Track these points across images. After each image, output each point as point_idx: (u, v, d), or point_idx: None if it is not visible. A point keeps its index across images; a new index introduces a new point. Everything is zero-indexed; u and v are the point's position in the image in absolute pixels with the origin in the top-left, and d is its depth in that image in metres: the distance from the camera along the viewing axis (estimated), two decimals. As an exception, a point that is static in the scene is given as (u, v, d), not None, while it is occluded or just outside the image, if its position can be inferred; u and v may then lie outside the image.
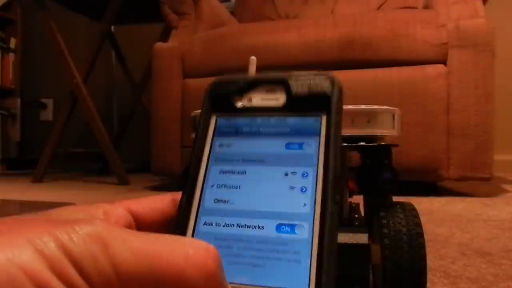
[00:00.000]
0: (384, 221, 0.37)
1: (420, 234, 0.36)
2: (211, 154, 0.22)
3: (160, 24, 1.97)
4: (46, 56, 2.69)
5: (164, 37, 1.71)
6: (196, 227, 0.21)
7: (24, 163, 2.57)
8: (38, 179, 1.81)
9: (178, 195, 0.24)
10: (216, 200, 0.21)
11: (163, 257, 0.15)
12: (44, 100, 2.82)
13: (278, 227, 0.19)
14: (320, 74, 0.22)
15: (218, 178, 0.22)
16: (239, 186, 0.21)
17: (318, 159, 0.20)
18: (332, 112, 0.21)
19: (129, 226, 0.21)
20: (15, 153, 2.65)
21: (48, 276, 0.13)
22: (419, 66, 1.27)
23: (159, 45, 1.55)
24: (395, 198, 0.41)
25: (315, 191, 0.19)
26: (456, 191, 1.41)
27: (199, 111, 0.23)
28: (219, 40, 1.48)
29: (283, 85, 0.22)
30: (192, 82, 1.49)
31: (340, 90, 0.21)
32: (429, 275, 0.50)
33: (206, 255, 0.16)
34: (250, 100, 0.22)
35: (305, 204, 0.19)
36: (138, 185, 1.64)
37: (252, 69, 0.35)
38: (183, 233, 0.21)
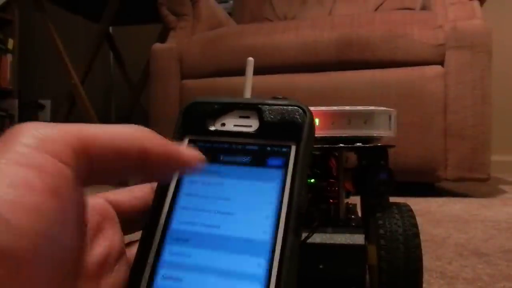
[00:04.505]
0: (380, 222, 0.37)
1: (416, 235, 0.36)
2: (179, 182, 0.22)
3: (158, 25, 1.97)
4: (44, 57, 2.69)
5: (162, 38, 1.71)
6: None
7: (22, 164, 2.56)
8: (36, 180, 1.80)
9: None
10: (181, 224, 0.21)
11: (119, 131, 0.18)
12: (42, 101, 2.81)
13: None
14: (293, 104, 0.22)
15: (186, 201, 0.21)
16: (205, 212, 0.21)
17: (283, 190, 0.20)
18: (302, 143, 0.21)
19: (107, 213, 0.22)
20: (13, 154, 2.64)
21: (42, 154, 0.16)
22: (417, 67, 1.27)
23: (157, 46, 1.55)
24: (393, 199, 0.41)
25: (278, 221, 0.19)
26: (453, 191, 1.42)
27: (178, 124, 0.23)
28: (217, 41, 1.48)
29: (257, 111, 0.22)
30: (190, 83, 1.49)
31: (312, 121, 0.22)
32: (426, 276, 0.50)
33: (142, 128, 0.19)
34: (223, 124, 0.22)
35: (265, 232, 0.19)
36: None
37: (250, 70, 0.35)
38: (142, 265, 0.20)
